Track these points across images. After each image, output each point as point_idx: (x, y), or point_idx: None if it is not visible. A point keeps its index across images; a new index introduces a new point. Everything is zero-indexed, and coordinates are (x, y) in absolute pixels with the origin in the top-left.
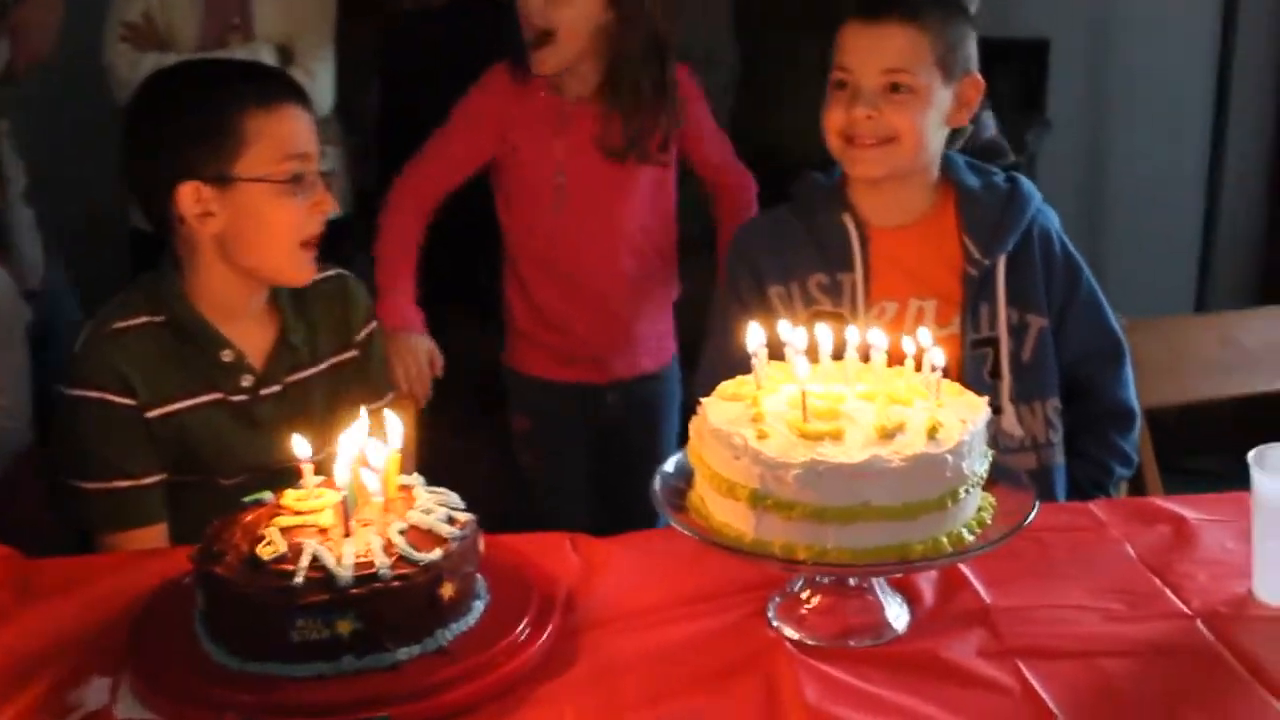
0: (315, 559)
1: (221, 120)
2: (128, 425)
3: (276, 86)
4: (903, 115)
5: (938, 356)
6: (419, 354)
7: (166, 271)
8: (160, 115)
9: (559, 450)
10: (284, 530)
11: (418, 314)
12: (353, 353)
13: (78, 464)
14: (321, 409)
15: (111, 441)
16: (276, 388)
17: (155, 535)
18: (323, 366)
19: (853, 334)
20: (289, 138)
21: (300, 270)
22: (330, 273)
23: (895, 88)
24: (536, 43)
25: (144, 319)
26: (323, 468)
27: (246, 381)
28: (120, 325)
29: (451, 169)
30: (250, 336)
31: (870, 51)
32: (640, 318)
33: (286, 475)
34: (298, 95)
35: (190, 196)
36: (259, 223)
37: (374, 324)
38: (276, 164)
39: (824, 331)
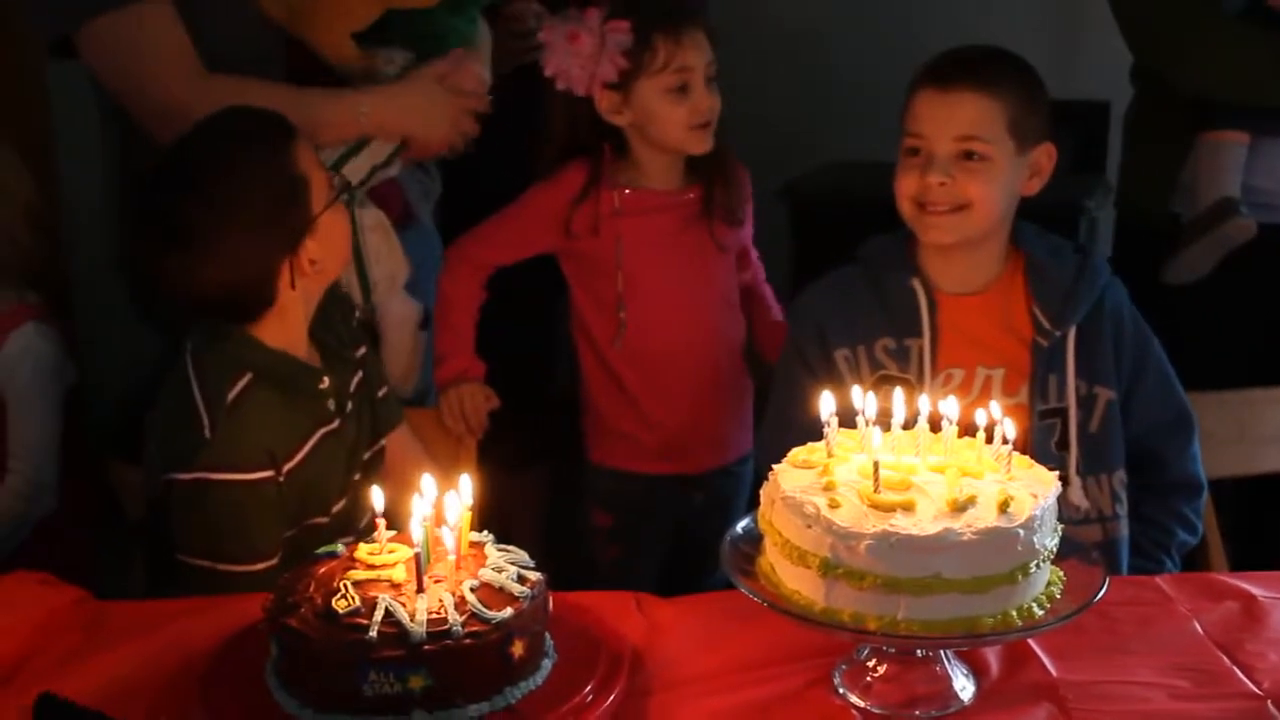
0: (389, 614)
1: (290, 175)
2: (268, 503)
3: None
4: (976, 183)
5: (1009, 429)
6: (475, 394)
7: (228, 331)
8: (234, 192)
9: (643, 544)
10: (357, 584)
11: (479, 366)
12: (363, 348)
13: (217, 548)
14: (370, 412)
15: (254, 524)
16: (350, 405)
17: None
18: (359, 374)
19: (924, 404)
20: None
21: None
22: None
23: (969, 155)
24: (701, 127)
25: (245, 379)
26: (395, 521)
27: (332, 406)
28: (234, 396)
29: (509, 251)
30: (316, 364)
31: (943, 119)
32: (727, 405)
33: (362, 503)
34: None
35: (305, 256)
36: (341, 238)
37: (359, 311)
38: (327, 193)
39: (897, 400)
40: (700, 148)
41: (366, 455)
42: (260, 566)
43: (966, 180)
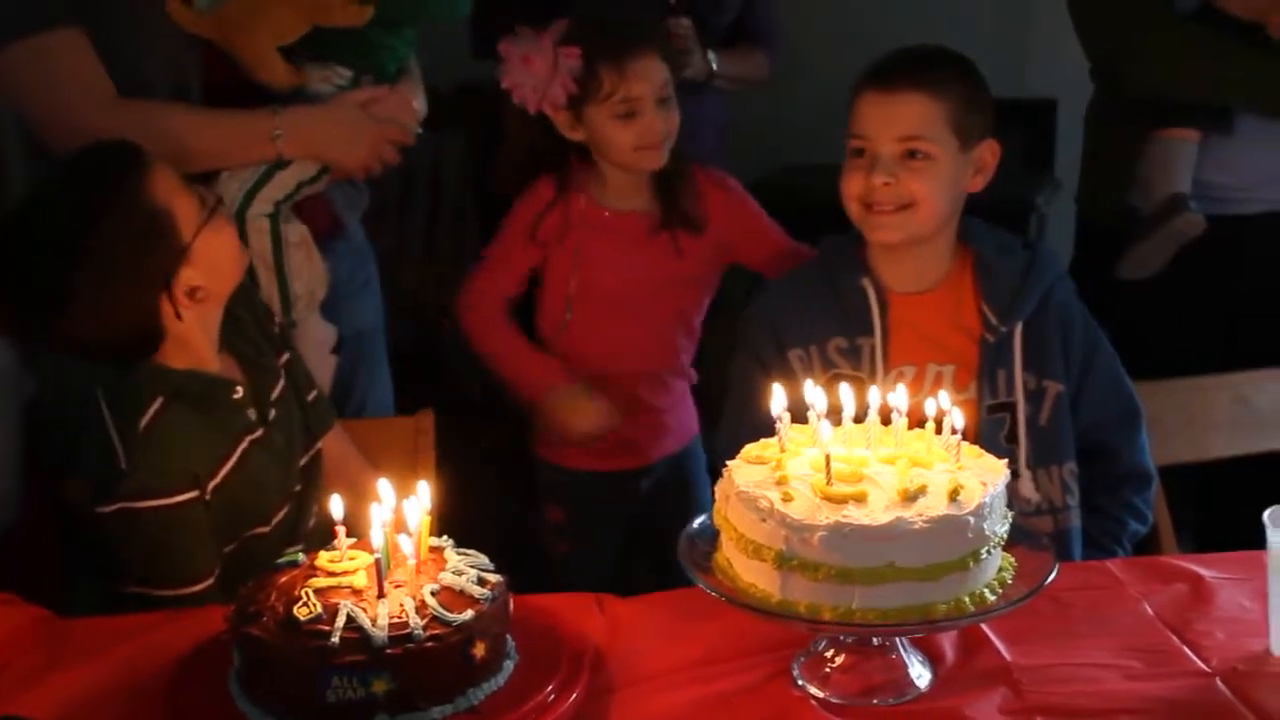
0: (351, 619)
1: (147, 211)
2: (195, 524)
3: None
4: (920, 181)
5: (958, 419)
6: (580, 399)
7: (137, 365)
8: (89, 246)
9: (595, 538)
10: (319, 591)
11: (560, 372)
12: (286, 354)
13: (151, 574)
14: (301, 418)
15: (184, 546)
16: (275, 412)
17: None
18: (282, 380)
19: (874, 396)
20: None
21: None
22: None
23: (912, 154)
24: (654, 145)
25: (157, 403)
26: (355, 529)
27: (253, 415)
28: (146, 422)
29: (505, 276)
30: (231, 375)
31: (886, 120)
32: (670, 401)
33: (309, 509)
34: None
35: (182, 287)
36: (225, 258)
37: (279, 319)
38: (196, 216)
39: (846, 394)
40: (651, 164)
41: (303, 461)
42: (198, 588)
43: (910, 179)
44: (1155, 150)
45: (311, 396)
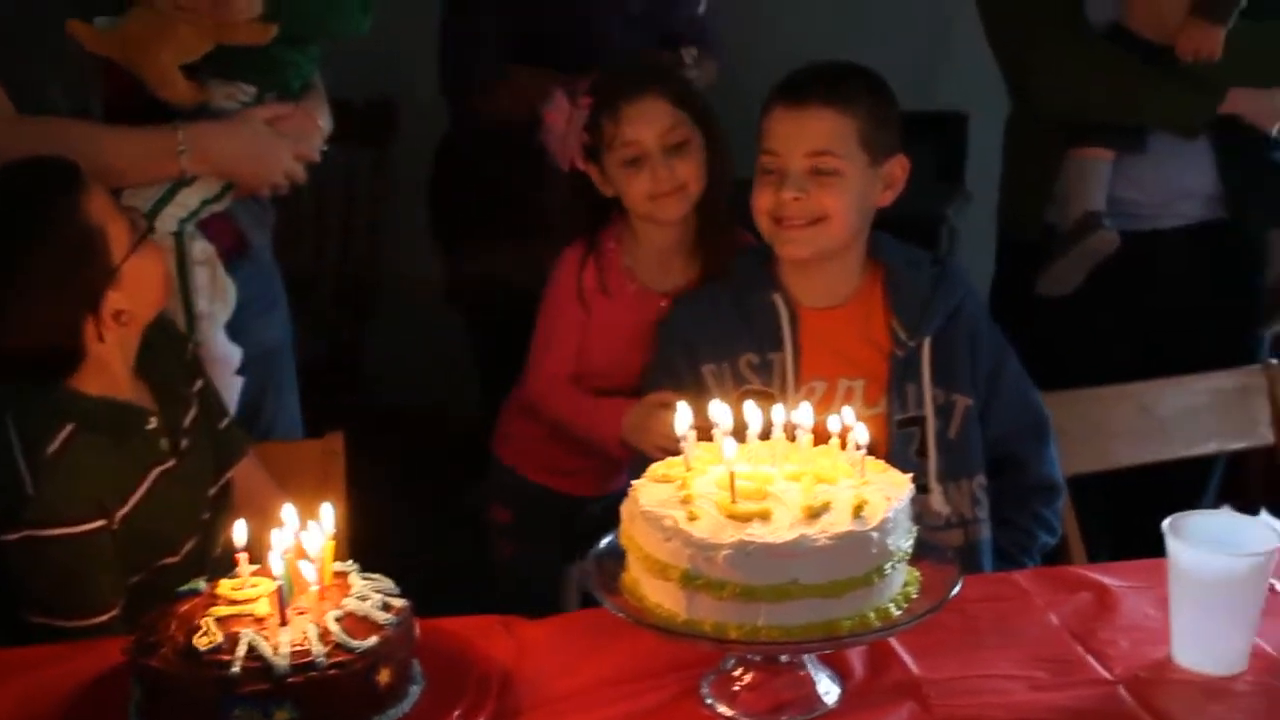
0: (252, 648)
1: (80, 229)
2: (101, 554)
3: None
4: (829, 196)
5: (862, 434)
6: (653, 412)
7: (49, 388)
8: (19, 257)
9: (541, 544)
10: (220, 620)
11: (622, 404)
12: (200, 381)
13: (55, 604)
14: (211, 446)
15: (90, 576)
16: (186, 441)
17: None
18: (195, 408)
19: (779, 413)
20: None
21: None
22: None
23: (822, 170)
24: (666, 193)
25: (67, 429)
26: (257, 555)
27: (165, 445)
28: (54, 449)
29: (572, 349)
30: (143, 402)
31: (795, 135)
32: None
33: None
34: None
35: (108, 309)
36: (151, 283)
37: (192, 345)
38: (127, 239)
39: (752, 411)
40: (667, 214)
41: (213, 491)
42: (103, 618)
43: (820, 194)
44: (1071, 169)
45: (223, 424)
